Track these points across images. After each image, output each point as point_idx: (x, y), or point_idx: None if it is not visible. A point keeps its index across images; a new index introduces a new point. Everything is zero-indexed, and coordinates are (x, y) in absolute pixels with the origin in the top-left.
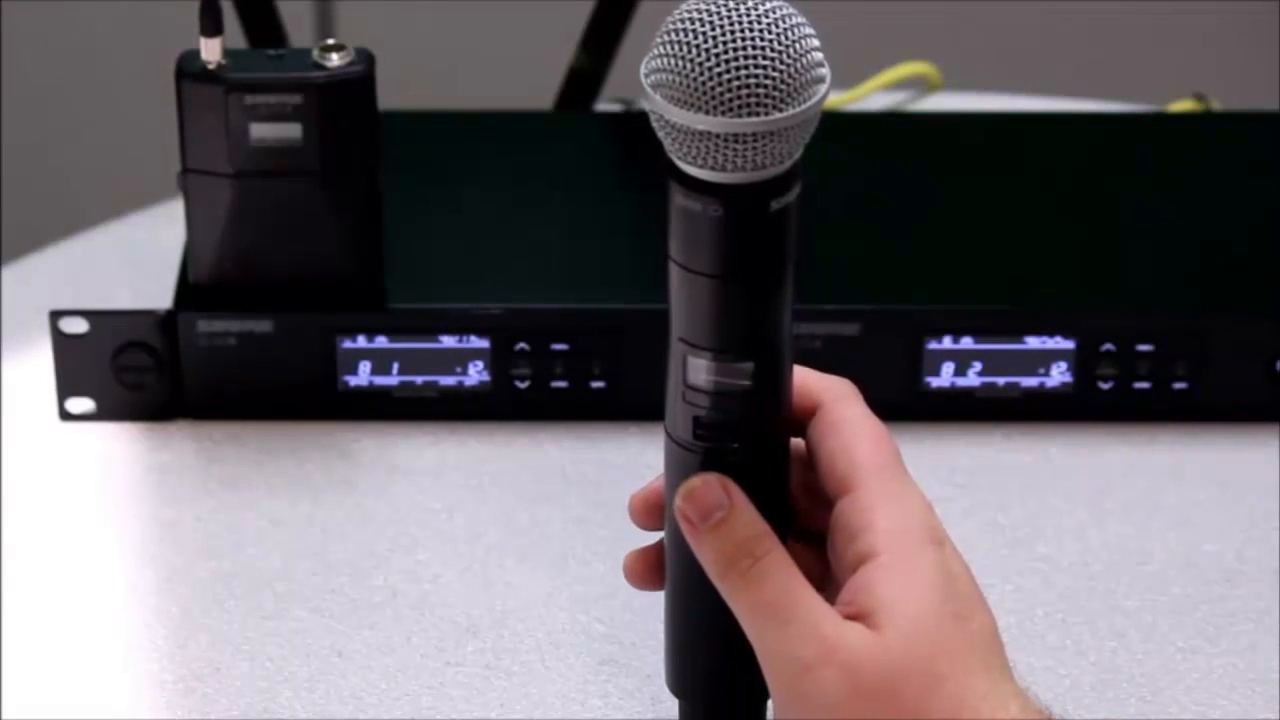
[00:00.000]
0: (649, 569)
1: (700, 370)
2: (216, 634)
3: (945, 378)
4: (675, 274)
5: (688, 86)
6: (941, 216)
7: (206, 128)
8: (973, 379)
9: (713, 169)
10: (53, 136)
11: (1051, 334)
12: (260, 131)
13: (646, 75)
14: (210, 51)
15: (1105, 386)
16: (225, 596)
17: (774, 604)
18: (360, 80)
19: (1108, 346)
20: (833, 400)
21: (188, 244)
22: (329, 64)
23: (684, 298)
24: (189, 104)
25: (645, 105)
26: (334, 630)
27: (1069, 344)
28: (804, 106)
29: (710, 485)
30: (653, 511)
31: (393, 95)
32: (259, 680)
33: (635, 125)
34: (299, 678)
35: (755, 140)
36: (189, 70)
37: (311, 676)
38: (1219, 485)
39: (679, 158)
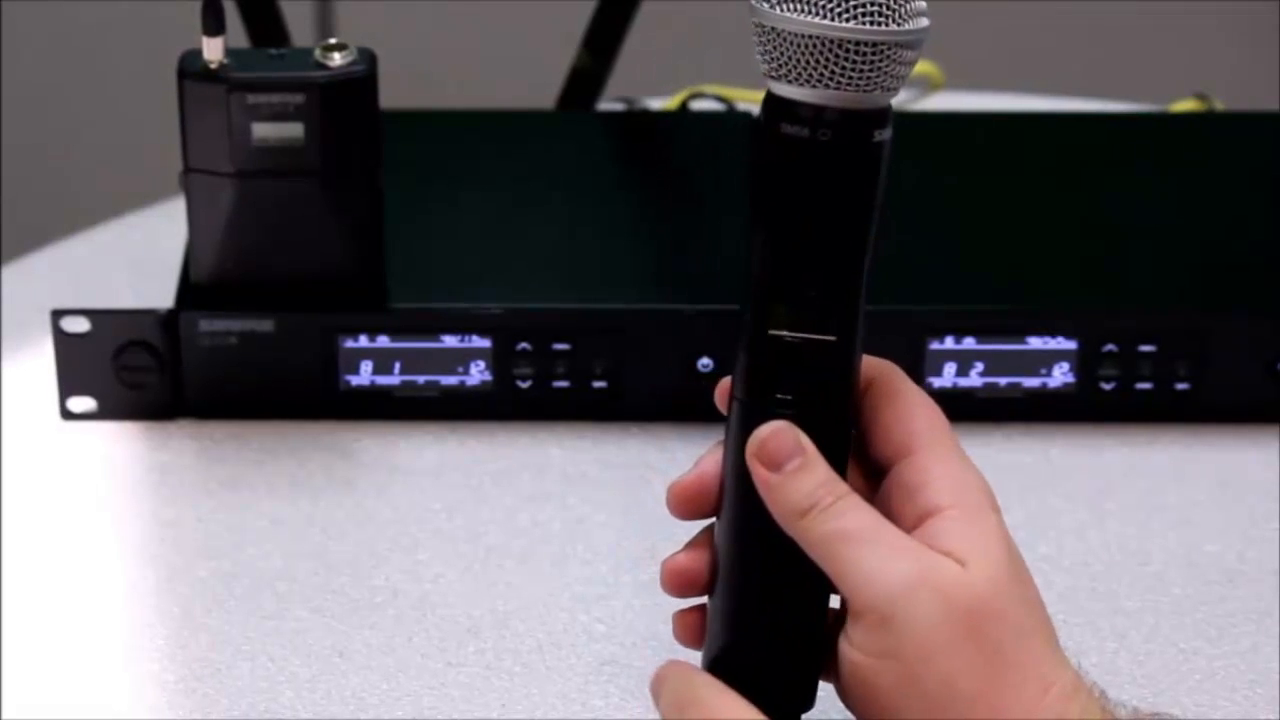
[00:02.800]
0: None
1: (787, 321)
2: (217, 634)
3: (947, 378)
4: (766, 217)
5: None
6: (943, 216)
7: (208, 127)
8: (974, 379)
9: (828, 85)
10: (55, 135)
11: (1053, 334)
12: (262, 131)
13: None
14: (212, 51)
15: (1107, 387)
16: (226, 596)
17: (865, 529)
18: (362, 80)
19: (1109, 347)
20: (887, 374)
21: (189, 243)
22: (331, 64)
23: (779, 242)
24: (191, 103)
25: (766, 28)
26: (335, 630)
27: (1071, 344)
28: (923, 24)
29: (783, 432)
30: (693, 501)
31: (394, 94)
32: (260, 680)
33: (637, 125)
34: (300, 678)
35: (877, 52)
36: (191, 70)
37: (312, 677)
38: (1220, 486)
39: (792, 80)
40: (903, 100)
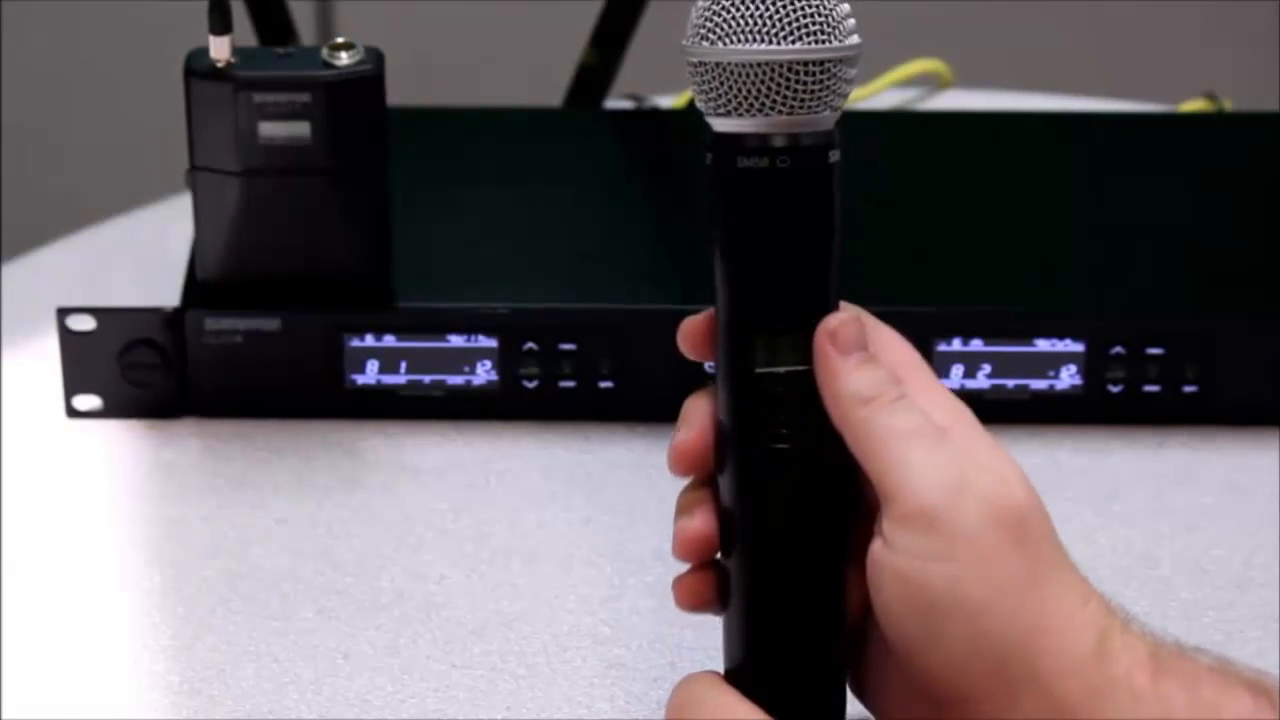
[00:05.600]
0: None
1: (771, 356)
2: (222, 635)
3: (954, 380)
4: (736, 255)
5: (758, 26)
6: (950, 216)
7: (215, 126)
8: (982, 381)
9: (780, 111)
10: (61, 133)
11: (1061, 337)
12: (269, 130)
13: (700, 36)
14: (219, 49)
15: (1115, 389)
16: (231, 596)
17: (919, 428)
18: (369, 79)
19: (1117, 349)
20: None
21: (195, 242)
22: (338, 63)
23: (751, 277)
24: (197, 102)
25: (708, 65)
26: (340, 631)
27: (1079, 347)
28: (858, 40)
29: (854, 324)
30: (696, 458)
31: (401, 92)
32: (264, 682)
33: (646, 123)
34: (304, 679)
35: (824, 70)
36: (197, 68)
37: (317, 678)
38: (1228, 489)
39: (743, 112)
40: (912, 98)
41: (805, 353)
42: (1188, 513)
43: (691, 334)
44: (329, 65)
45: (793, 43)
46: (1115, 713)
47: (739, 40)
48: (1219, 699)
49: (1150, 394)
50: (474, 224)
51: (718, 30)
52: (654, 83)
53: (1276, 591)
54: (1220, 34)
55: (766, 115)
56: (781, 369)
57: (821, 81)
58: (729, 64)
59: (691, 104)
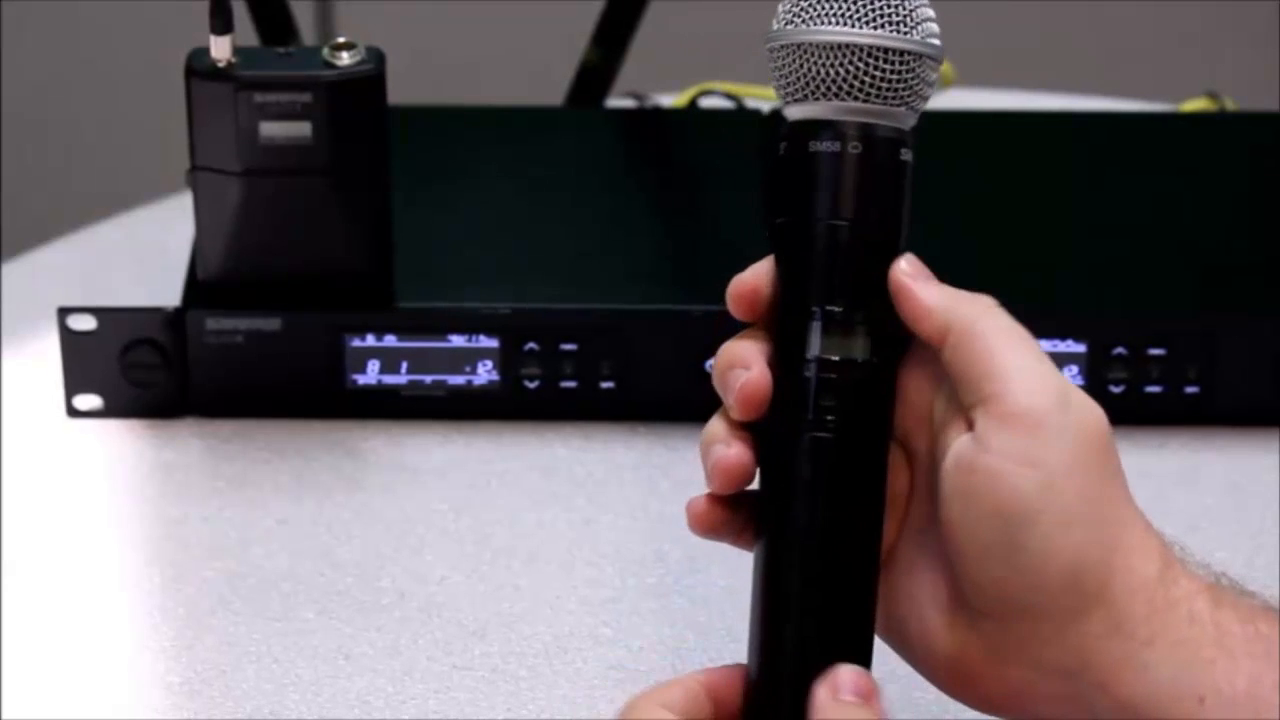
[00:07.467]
0: (757, 296)
1: (830, 341)
2: (222, 635)
3: None
4: (799, 239)
5: (843, 12)
6: (950, 216)
7: (216, 126)
8: None
9: (856, 97)
10: (62, 131)
11: (1062, 337)
12: (270, 130)
13: (785, 23)
14: (220, 49)
15: (1116, 390)
16: (231, 597)
17: (1024, 335)
18: (370, 79)
19: (1119, 350)
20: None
21: (196, 241)
22: (339, 62)
23: (813, 262)
24: (198, 102)
25: (784, 50)
26: (340, 632)
27: (1080, 347)
28: (936, 43)
29: (920, 263)
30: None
31: (402, 91)
32: (265, 683)
33: (647, 121)
34: (305, 680)
35: (900, 61)
36: (198, 68)
37: (318, 679)
38: (1230, 490)
39: (820, 96)
40: None
41: (860, 343)
42: (1189, 514)
43: (742, 294)
44: (330, 65)
45: (875, 29)
46: (1173, 633)
47: (823, 24)
48: (1274, 635)
49: (1151, 394)
50: (475, 223)
51: (803, 15)
52: (656, 81)
53: (1278, 592)
54: (1221, 34)
55: (843, 100)
56: (836, 356)
57: (899, 73)
58: (810, 44)
59: (692, 103)
